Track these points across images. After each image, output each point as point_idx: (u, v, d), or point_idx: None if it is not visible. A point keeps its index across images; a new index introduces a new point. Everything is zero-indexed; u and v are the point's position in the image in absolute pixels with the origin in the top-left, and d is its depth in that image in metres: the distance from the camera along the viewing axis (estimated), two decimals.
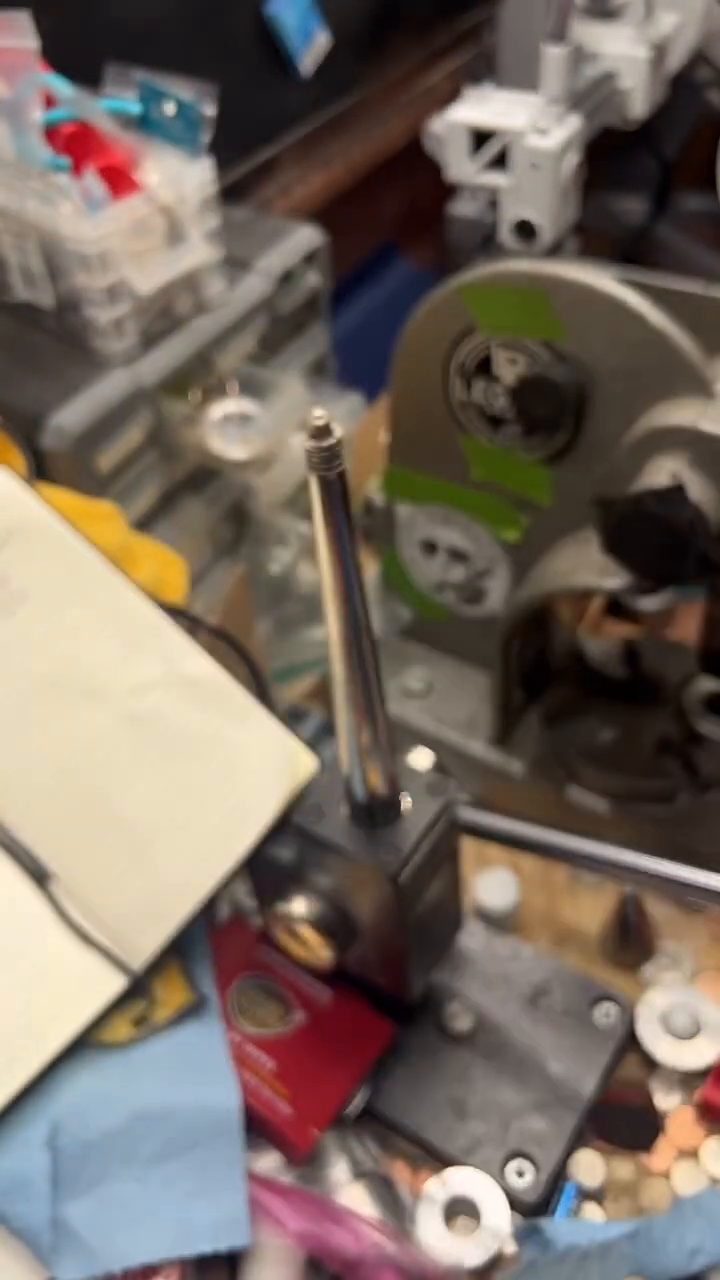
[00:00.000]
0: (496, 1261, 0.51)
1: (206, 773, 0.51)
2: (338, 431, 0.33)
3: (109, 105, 0.65)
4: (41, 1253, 0.44)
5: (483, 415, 0.62)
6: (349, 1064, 0.53)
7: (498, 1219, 0.51)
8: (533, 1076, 0.55)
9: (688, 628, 0.80)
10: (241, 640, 0.58)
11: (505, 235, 0.90)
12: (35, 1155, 0.45)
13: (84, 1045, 0.49)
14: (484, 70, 0.88)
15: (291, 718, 0.75)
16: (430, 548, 0.71)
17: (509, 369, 0.59)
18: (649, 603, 0.80)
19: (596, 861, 0.54)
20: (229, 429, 0.66)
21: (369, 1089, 0.55)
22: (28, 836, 0.52)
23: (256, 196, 1.06)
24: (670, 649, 0.70)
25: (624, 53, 0.94)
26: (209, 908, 0.52)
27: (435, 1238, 0.51)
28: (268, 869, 0.51)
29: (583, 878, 0.66)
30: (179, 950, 0.52)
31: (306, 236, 0.75)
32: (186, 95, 0.64)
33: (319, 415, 0.33)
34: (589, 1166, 0.54)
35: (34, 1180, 0.45)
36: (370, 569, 0.78)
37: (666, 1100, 0.56)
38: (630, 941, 0.60)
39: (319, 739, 0.75)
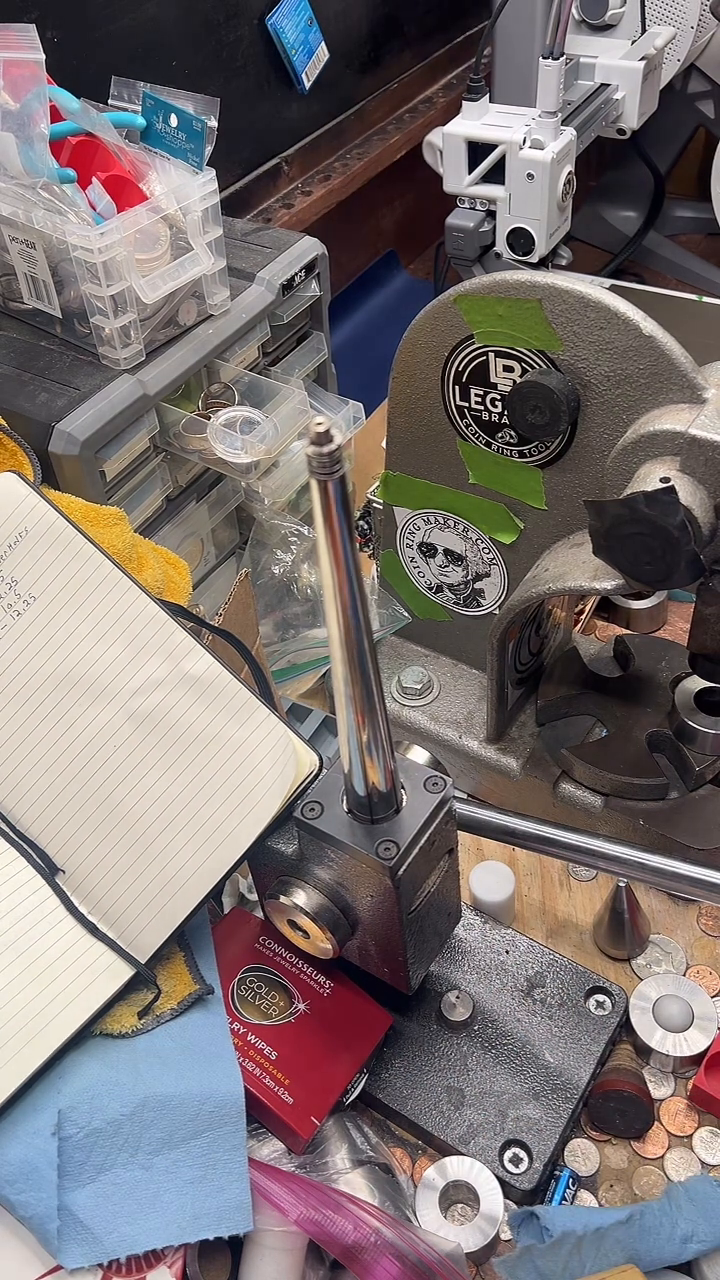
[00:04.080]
0: (493, 1247, 0.52)
1: (210, 769, 0.52)
2: (338, 437, 0.34)
3: (114, 118, 0.66)
4: (48, 1240, 0.45)
5: (479, 421, 0.63)
6: (349, 1053, 0.54)
7: (494, 1206, 0.52)
8: (528, 1066, 0.56)
9: (678, 627, 0.82)
10: (244, 640, 0.59)
11: (502, 246, 0.91)
12: (42, 1144, 0.46)
13: (91, 1035, 0.50)
14: (481, 83, 0.89)
15: (293, 716, 0.76)
16: (428, 550, 0.72)
17: (505, 376, 0.60)
18: (640, 604, 0.81)
19: (590, 856, 0.55)
20: (232, 435, 0.67)
21: (368, 1078, 0.56)
22: (37, 832, 0.53)
23: (258, 207, 1.08)
24: (661, 648, 0.71)
25: (617, 64, 0.95)
26: (213, 900, 0.53)
27: (433, 1224, 0.52)
28: (270, 862, 0.52)
29: (577, 872, 0.68)
30: (184, 942, 0.53)
31: (307, 247, 0.76)
32: (190, 108, 0.65)
33: (320, 421, 0.34)
34: (583, 1154, 0.55)
35: (41, 1168, 0.46)
36: (370, 570, 0.79)
37: (659, 1089, 0.57)
38: (623, 934, 0.61)
39: (320, 736, 0.76)
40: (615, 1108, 0.55)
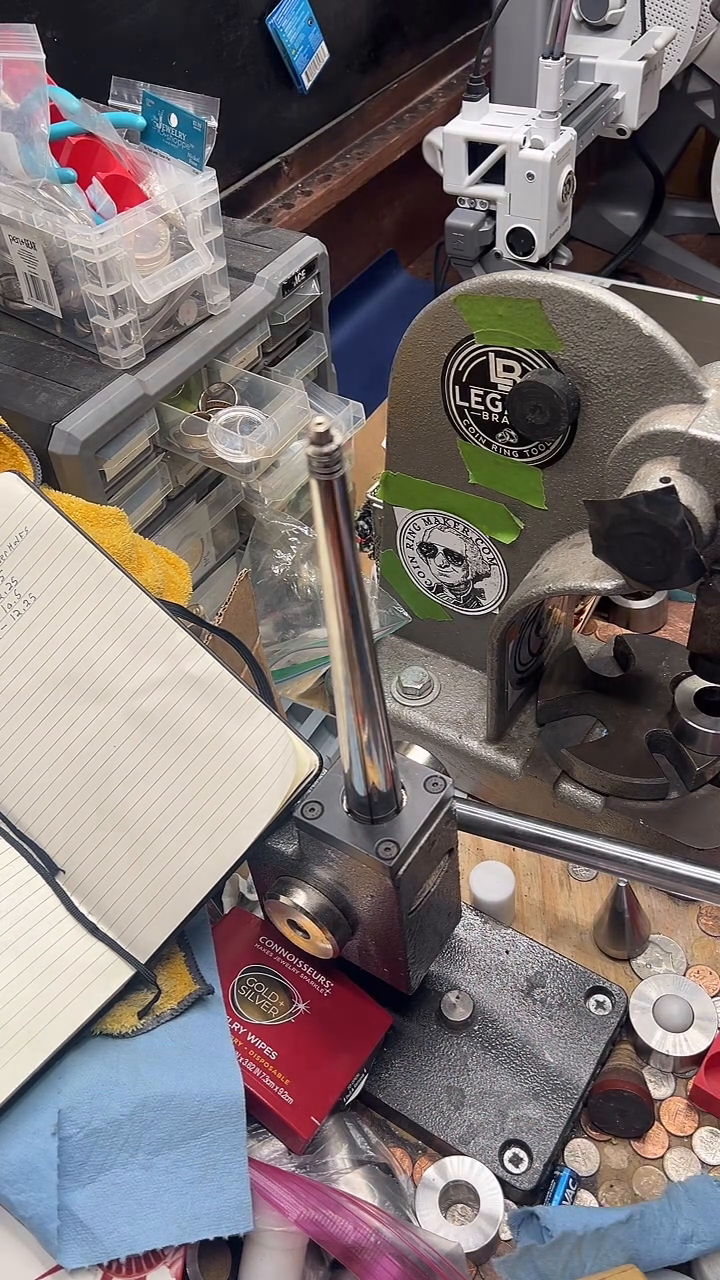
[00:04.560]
0: (493, 1247, 0.52)
1: (211, 769, 0.52)
2: (338, 437, 0.34)
3: (114, 118, 0.66)
4: (48, 1240, 0.45)
5: (479, 421, 0.63)
6: (349, 1053, 0.54)
7: (494, 1206, 0.52)
8: (528, 1066, 0.56)
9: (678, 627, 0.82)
10: (244, 640, 0.59)
11: (502, 246, 0.91)
12: (42, 1144, 0.46)
13: (91, 1035, 0.50)
14: (481, 83, 0.89)
15: (293, 716, 0.76)
16: (428, 550, 0.72)
17: (505, 376, 0.60)
18: (640, 604, 0.81)
19: (590, 856, 0.55)
20: (232, 435, 0.67)
21: (368, 1078, 0.56)
22: (37, 832, 0.53)
23: (258, 207, 1.08)
24: (661, 648, 0.71)
25: (617, 64, 0.95)
26: (213, 900, 0.53)
27: (433, 1224, 0.52)
28: (270, 862, 0.52)
29: (577, 872, 0.68)
30: (184, 942, 0.53)
31: (307, 247, 0.76)
32: (190, 108, 0.65)
33: (320, 421, 0.34)
34: (583, 1154, 0.55)
35: (41, 1169, 0.46)
36: (370, 570, 0.79)
37: (659, 1089, 0.57)
38: (623, 934, 0.61)
39: (320, 736, 0.76)
40: (615, 1108, 0.55)
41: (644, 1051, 0.57)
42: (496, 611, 0.72)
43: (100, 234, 0.60)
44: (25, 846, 0.53)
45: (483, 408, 0.62)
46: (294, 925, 0.52)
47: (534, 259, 0.90)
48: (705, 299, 1.00)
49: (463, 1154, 0.54)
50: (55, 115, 0.64)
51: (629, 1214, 0.48)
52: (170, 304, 0.67)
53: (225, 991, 0.55)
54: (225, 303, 0.70)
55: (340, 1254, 0.47)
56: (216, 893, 0.51)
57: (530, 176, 0.86)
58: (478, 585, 0.71)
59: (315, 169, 1.14)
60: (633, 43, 0.97)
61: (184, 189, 0.65)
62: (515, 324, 0.57)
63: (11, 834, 0.53)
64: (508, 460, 0.63)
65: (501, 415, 0.62)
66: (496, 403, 0.61)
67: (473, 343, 0.60)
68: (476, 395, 0.62)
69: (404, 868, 0.47)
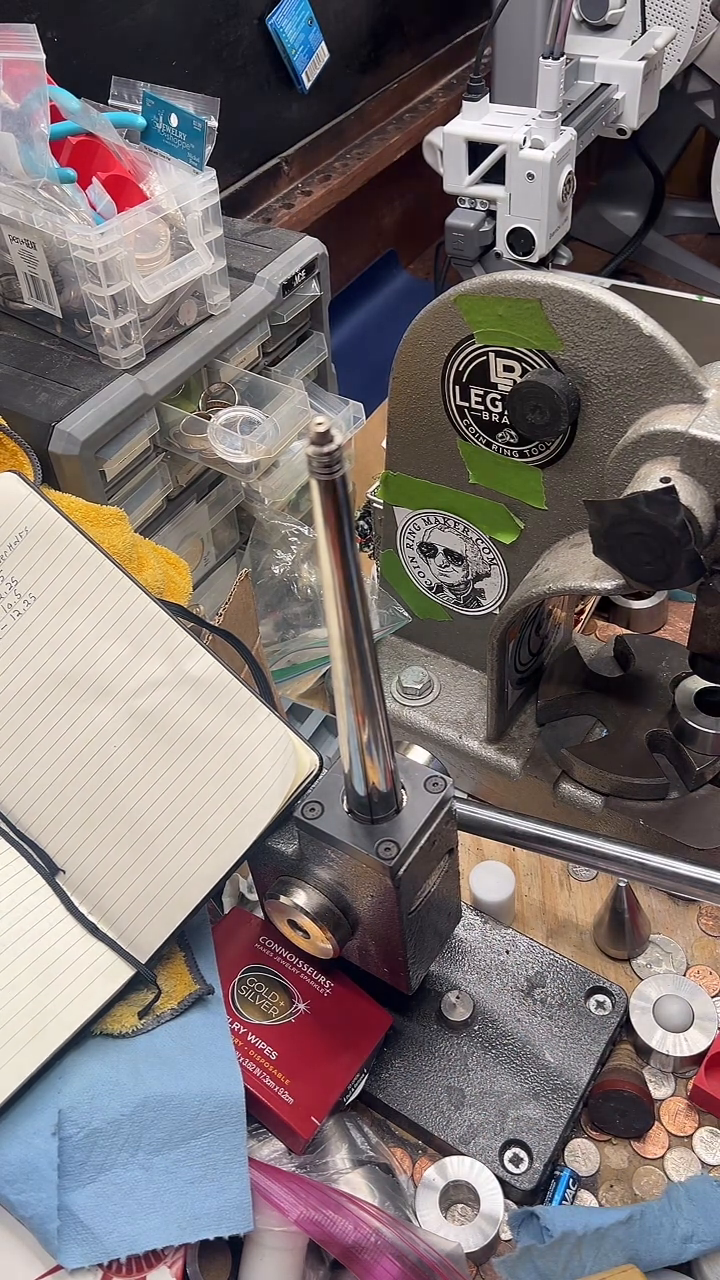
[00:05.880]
0: (493, 1247, 0.52)
1: (211, 769, 0.52)
2: (338, 437, 0.34)
3: (114, 118, 0.66)
4: (48, 1240, 0.45)
5: (479, 421, 0.63)
6: (349, 1053, 0.54)
7: (494, 1206, 0.52)
8: (529, 1066, 0.56)
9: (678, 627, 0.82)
10: (244, 640, 0.59)
11: (502, 246, 0.91)
12: (43, 1144, 0.46)
13: (91, 1035, 0.50)
14: (481, 83, 0.89)
15: (293, 716, 0.76)
16: (428, 550, 0.72)
17: (505, 376, 0.60)
18: (640, 604, 0.81)
19: (590, 856, 0.55)
20: (232, 435, 0.67)
21: (368, 1078, 0.56)
22: (37, 832, 0.53)
23: (258, 207, 1.08)
24: (661, 648, 0.71)
25: (617, 64, 0.95)
26: (213, 900, 0.53)
27: (433, 1224, 0.52)
28: (270, 862, 0.52)
29: (577, 872, 0.68)
30: (184, 942, 0.53)
31: (307, 247, 0.76)
32: (190, 108, 0.65)
33: (320, 421, 0.34)
34: (583, 1154, 0.55)
35: (41, 1168, 0.46)
36: (370, 570, 0.79)
37: (659, 1089, 0.57)
38: (623, 934, 0.61)
39: (320, 736, 0.76)
40: (615, 1108, 0.55)
41: (644, 1051, 0.57)
42: (496, 611, 0.72)
43: (100, 234, 0.60)
44: (25, 846, 0.53)
45: (483, 408, 0.62)
46: (294, 925, 0.52)
47: (534, 259, 0.90)
48: (705, 299, 1.00)
49: (463, 1154, 0.54)
50: (55, 115, 0.64)
51: (629, 1214, 0.48)
52: (170, 304, 0.67)
53: (225, 991, 0.55)
54: (225, 303, 0.70)
55: (340, 1254, 0.47)
56: (216, 893, 0.51)
57: (530, 176, 0.86)
58: (478, 585, 0.71)
59: (315, 169, 1.14)
60: (633, 43, 0.97)
61: (184, 189, 0.65)
62: (515, 324, 0.57)
63: (11, 834, 0.53)
64: (508, 460, 0.63)
65: (501, 415, 0.62)
66: (496, 403, 0.61)
67: (473, 343, 0.60)
68: (476, 395, 0.62)
69: (404, 868, 0.47)
